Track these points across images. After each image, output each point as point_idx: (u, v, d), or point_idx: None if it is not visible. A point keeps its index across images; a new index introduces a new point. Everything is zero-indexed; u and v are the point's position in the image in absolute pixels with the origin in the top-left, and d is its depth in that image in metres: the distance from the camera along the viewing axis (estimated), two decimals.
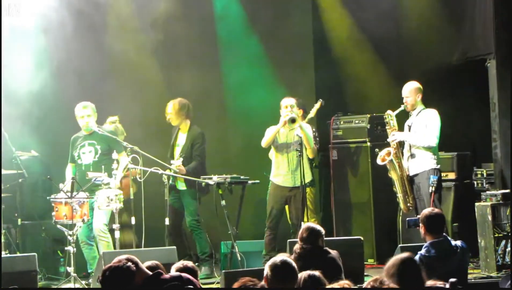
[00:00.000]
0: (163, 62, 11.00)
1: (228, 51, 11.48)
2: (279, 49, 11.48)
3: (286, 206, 9.76)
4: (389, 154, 9.36)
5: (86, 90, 10.24)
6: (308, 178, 9.72)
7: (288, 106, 9.63)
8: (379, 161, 9.48)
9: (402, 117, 9.52)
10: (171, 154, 10.09)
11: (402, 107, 9.34)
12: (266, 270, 5.47)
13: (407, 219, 8.81)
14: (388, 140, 9.50)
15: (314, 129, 10.23)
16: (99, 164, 9.23)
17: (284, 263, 5.48)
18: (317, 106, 10.23)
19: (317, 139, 10.27)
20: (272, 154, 9.83)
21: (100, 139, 9.29)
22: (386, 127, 9.54)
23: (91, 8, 10.42)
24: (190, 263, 6.07)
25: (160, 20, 10.89)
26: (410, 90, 9.34)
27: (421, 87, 9.36)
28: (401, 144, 9.49)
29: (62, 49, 10.29)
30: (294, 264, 5.54)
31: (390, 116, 9.38)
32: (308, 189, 10.03)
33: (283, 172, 9.66)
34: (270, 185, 9.77)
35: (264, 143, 9.66)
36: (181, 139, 10.20)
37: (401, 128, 9.44)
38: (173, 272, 5.77)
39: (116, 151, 9.12)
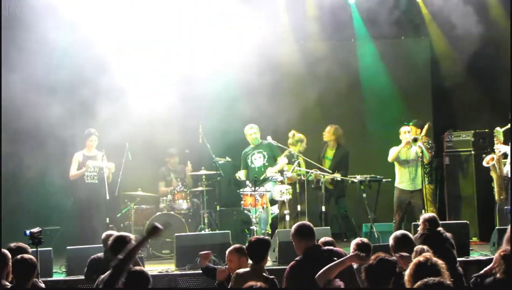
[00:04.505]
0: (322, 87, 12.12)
1: (367, 83, 12.68)
2: (406, 86, 12.67)
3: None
4: (492, 159, 10.50)
5: (255, 111, 11.21)
6: (425, 182, 10.98)
7: (406, 132, 11.05)
8: (484, 163, 10.56)
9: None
10: (319, 162, 11.50)
11: (509, 125, 10.25)
12: (390, 242, 6.54)
13: (505, 207, 9.99)
14: (494, 148, 10.39)
15: (430, 141, 11.52)
16: (268, 166, 10.63)
17: (404, 233, 6.69)
18: (426, 127, 11.21)
19: (434, 148, 11.47)
20: (396, 167, 11.07)
21: (264, 148, 10.82)
22: (494, 140, 10.52)
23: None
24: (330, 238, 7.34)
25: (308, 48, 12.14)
26: None
27: None
28: (505, 155, 10.34)
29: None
30: (410, 235, 6.59)
31: (498, 132, 10.45)
32: (427, 186, 11.28)
33: (405, 180, 11.06)
34: (395, 190, 11.06)
35: (390, 158, 11.09)
36: (329, 153, 11.74)
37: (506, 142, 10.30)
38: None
39: (275, 155, 10.57)
